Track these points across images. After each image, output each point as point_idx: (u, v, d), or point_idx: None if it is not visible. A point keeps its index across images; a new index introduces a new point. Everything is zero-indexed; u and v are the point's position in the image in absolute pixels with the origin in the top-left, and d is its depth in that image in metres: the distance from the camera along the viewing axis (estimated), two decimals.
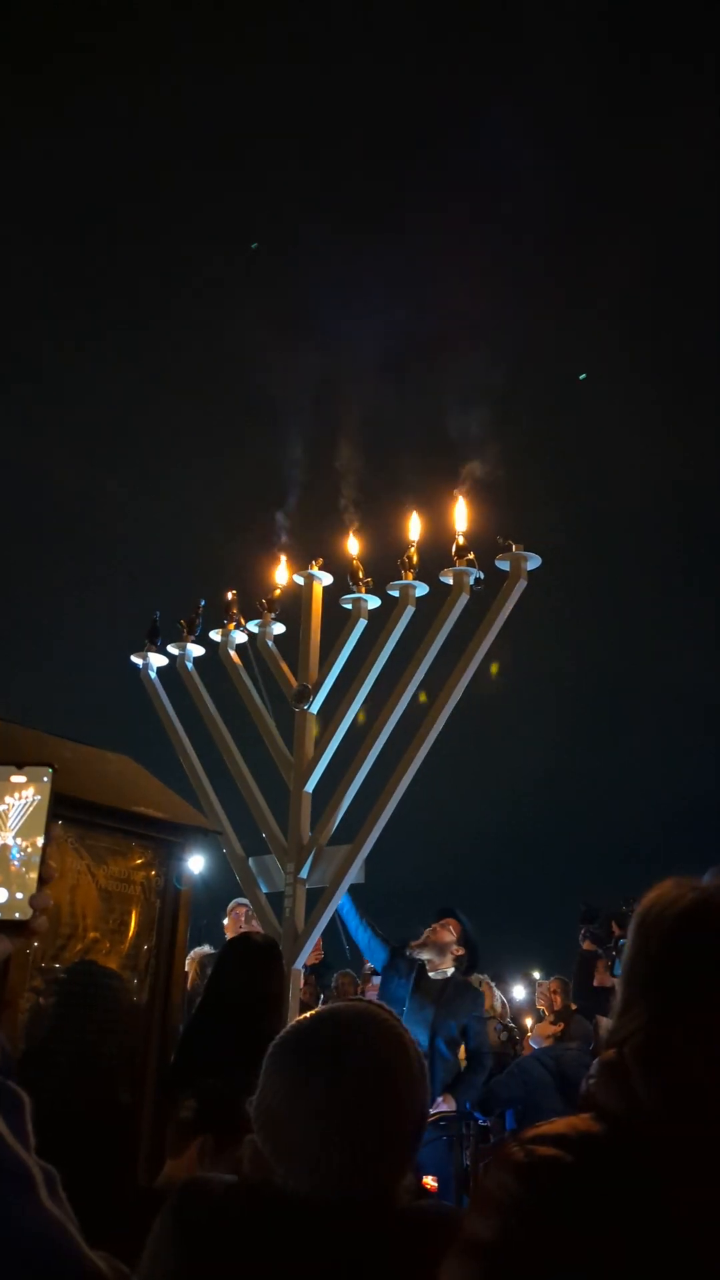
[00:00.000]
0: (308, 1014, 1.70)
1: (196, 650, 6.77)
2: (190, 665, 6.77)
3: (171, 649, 6.84)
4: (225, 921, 7.74)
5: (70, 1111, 3.85)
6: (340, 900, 5.68)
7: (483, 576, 5.63)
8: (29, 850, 1.37)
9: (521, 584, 5.54)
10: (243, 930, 7.45)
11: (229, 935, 7.58)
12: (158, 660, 6.87)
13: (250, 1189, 1.58)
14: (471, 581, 5.63)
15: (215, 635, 6.72)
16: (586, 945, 8.26)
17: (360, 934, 6.67)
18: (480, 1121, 5.97)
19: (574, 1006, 8.33)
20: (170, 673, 6.86)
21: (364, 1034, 1.60)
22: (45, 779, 1.41)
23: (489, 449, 5.86)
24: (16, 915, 1.33)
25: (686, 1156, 1.11)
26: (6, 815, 1.39)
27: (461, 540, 5.71)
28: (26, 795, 1.40)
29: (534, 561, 5.58)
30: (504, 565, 5.62)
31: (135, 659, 6.97)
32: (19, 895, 1.35)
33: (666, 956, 1.31)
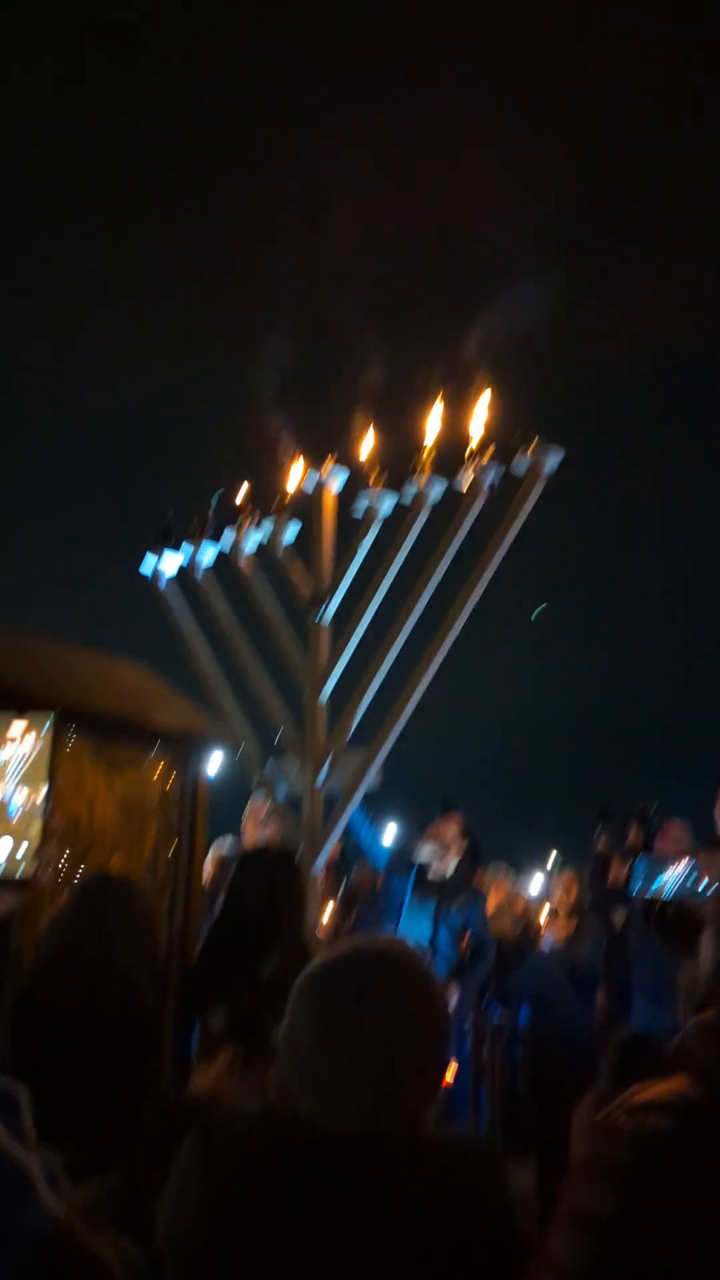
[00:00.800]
0: (333, 951, 1.68)
1: (208, 555, 6.67)
2: (200, 575, 6.68)
3: (183, 552, 6.73)
4: (244, 821, 7.79)
5: (95, 1018, 3.91)
6: (355, 816, 5.72)
7: (501, 475, 5.47)
8: (30, 803, 1.31)
9: (541, 483, 5.38)
10: (263, 828, 7.54)
11: (246, 833, 7.65)
12: (170, 564, 6.78)
13: (277, 1121, 1.59)
14: (489, 482, 5.47)
15: (228, 539, 6.60)
16: (602, 844, 8.32)
17: (365, 834, 6.75)
18: (493, 1018, 6.10)
19: (588, 903, 8.48)
20: (184, 576, 6.78)
21: (389, 971, 1.60)
22: (48, 725, 1.34)
23: (512, 342, 5.61)
24: (19, 873, 1.28)
25: None
26: (5, 765, 1.33)
27: (477, 443, 5.53)
28: (27, 743, 1.33)
29: (555, 459, 5.41)
30: (523, 464, 5.46)
31: (150, 556, 6.87)
32: (21, 850, 1.29)
33: None
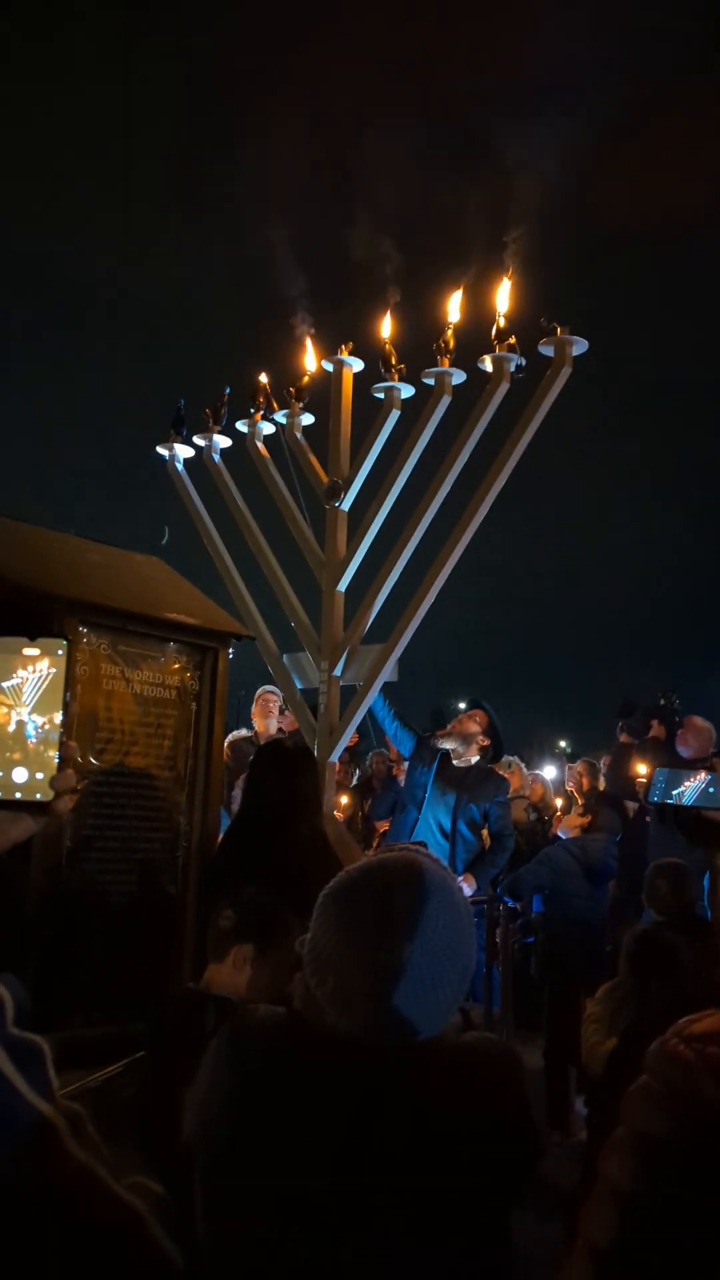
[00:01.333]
0: (359, 864, 1.68)
1: (223, 441, 6.53)
2: (217, 457, 6.55)
3: (198, 440, 6.60)
4: (253, 709, 7.82)
5: (117, 903, 4.00)
6: (376, 702, 5.72)
7: (524, 363, 5.28)
8: (47, 728, 1.27)
9: (566, 371, 5.20)
10: (271, 718, 7.59)
11: (255, 721, 7.69)
12: (184, 452, 6.65)
13: (302, 1027, 1.61)
14: (513, 368, 5.28)
15: (242, 426, 6.45)
16: (623, 738, 8.37)
17: (389, 724, 6.78)
18: (509, 904, 6.22)
19: (601, 789, 8.56)
20: (197, 466, 6.66)
21: (413, 884, 1.60)
22: (60, 651, 1.29)
23: (535, 222, 5.35)
24: (38, 796, 1.25)
25: None
26: (20, 689, 1.29)
27: (502, 323, 5.31)
28: (40, 668, 1.29)
29: (580, 346, 5.21)
30: (548, 351, 5.26)
31: (160, 450, 6.75)
32: (39, 775, 1.26)
33: None
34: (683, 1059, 1.17)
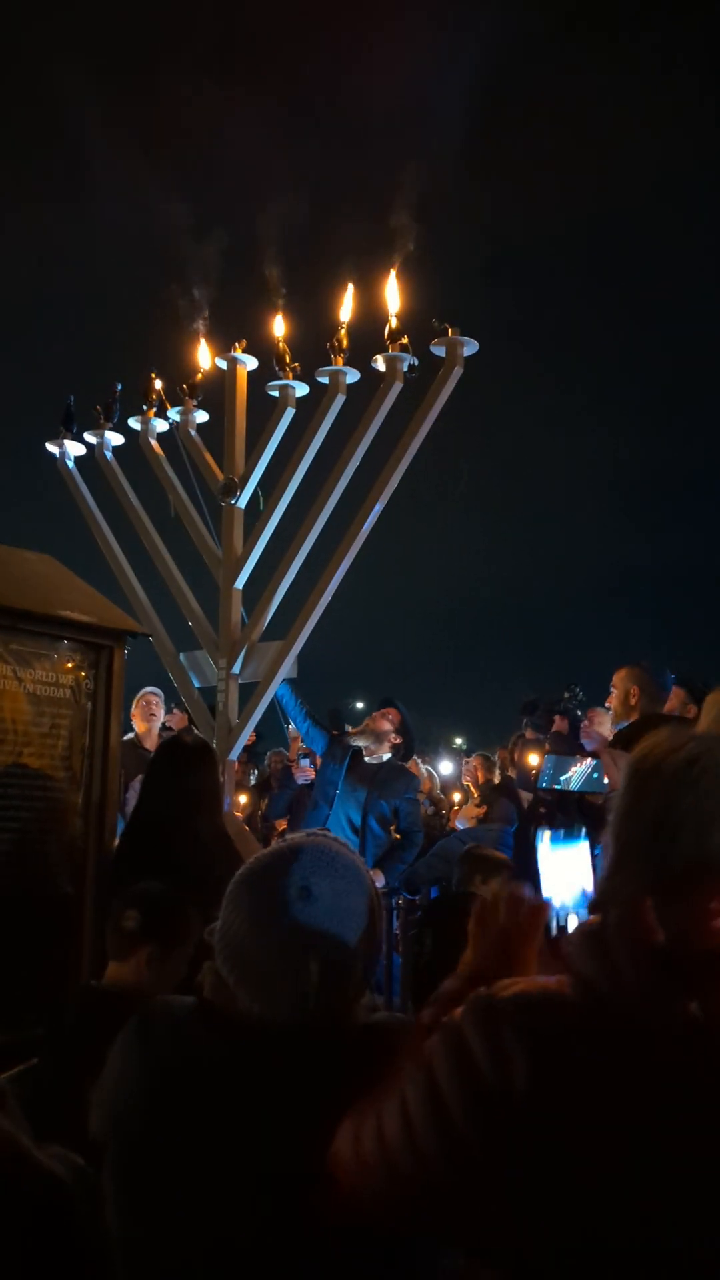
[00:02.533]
0: (268, 849, 1.70)
1: (115, 439, 6.45)
2: (109, 455, 6.47)
3: (89, 437, 6.50)
4: (133, 711, 7.55)
5: (13, 906, 3.92)
6: (280, 689, 5.71)
7: (417, 363, 5.36)
8: None
9: (458, 370, 5.30)
10: (155, 719, 7.44)
11: (136, 723, 7.49)
12: (75, 449, 6.54)
13: (212, 1012, 1.61)
14: (405, 368, 5.36)
15: (135, 423, 6.38)
16: (529, 734, 8.54)
17: (301, 723, 6.78)
18: (407, 897, 6.29)
19: (495, 782, 8.73)
20: (89, 464, 6.56)
21: (323, 865, 1.62)
22: None
23: (425, 219, 5.44)
24: None
25: (672, 1046, 1.08)
26: None
27: (395, 323, 5.39)
28: None
29: (471, 346, 5.32)
30: (439, 351, 5.35)
31: (50, 447, 6.63)
32: None
33: (664, 816, 1.24)
34: (496, 1010, 1.18)
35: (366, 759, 6.51)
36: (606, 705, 5.17)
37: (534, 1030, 1.16)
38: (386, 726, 6.54)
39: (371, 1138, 1.25)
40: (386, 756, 6.59)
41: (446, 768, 13.62)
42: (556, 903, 1.67)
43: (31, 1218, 0.93)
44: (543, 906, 1.54)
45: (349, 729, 6.81)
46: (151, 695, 7.27)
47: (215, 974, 1.63)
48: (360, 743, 6.46)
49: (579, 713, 7.99)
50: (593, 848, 1.73)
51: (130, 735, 7.52)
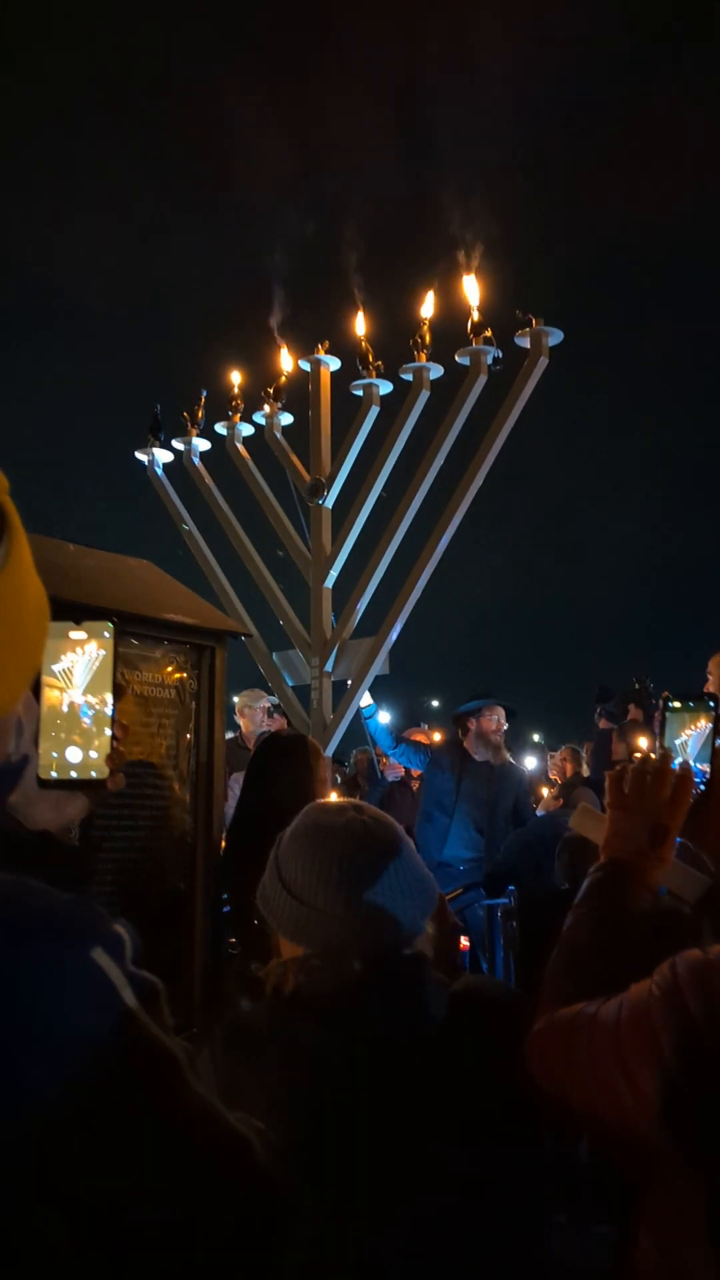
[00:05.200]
0: (316, 808, 1.71)
1: (202, 444, 6.57)
2: (197, 460, 6.59)
3: (176, 444, 6.63)
4: (238, 710, 7.68)
5: (129, 902, 4.03)
6: (369, 723, 5.78)
7: (501, 355, 5.36)
8: (99, 707, 1.33)
9: (543, 362, 5.29)
10: (258, 723, 7.56)
11: (241, 721, 7.61)
12: (163, 456, 6.68)
13: (278, 1003, 1.59)
14: (489, 361, 5.37)
15: (221, 428, 6.50)
16: (603, 724, 8.47)
17: (393, 748, 6.82)
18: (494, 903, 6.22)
19: (584, 775, 8.66)
20: (178, 470, 6.69)
21: (356, 823, 1.62)
22: (106, 634, 1.34)
23: (504, 215, 5.43)
24: (93, 774, 1.30)
25: None
26: (71, 672, 1.34)
27: (477, 317, 5.39)
28: (89, 651, 1.34)
29: (555, 337, 5.31)
30: (524, 342, 5.35)
31: (140, 455, 6.78)
32: (93, 754, 1.31)
33: None
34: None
35: (476, 758, 6.47)
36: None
37: None
38: (493, 728, 6.48)
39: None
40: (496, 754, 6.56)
41: (530, 763, 13.55)
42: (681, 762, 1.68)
43: (225, 1182, 0.97)
44: (688, 776, 1.58)
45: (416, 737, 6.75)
46: (266, 705, 7.39)
47: (275, 968, 1.61)
48: (479, 756, 6.39)
49: (653, 701, 7.89)
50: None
51: (233, 735, 7.67)
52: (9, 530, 0.99)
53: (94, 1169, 0.90)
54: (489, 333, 5.35)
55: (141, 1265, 0.93)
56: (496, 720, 6.41)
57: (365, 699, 6.05)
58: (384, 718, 8.04)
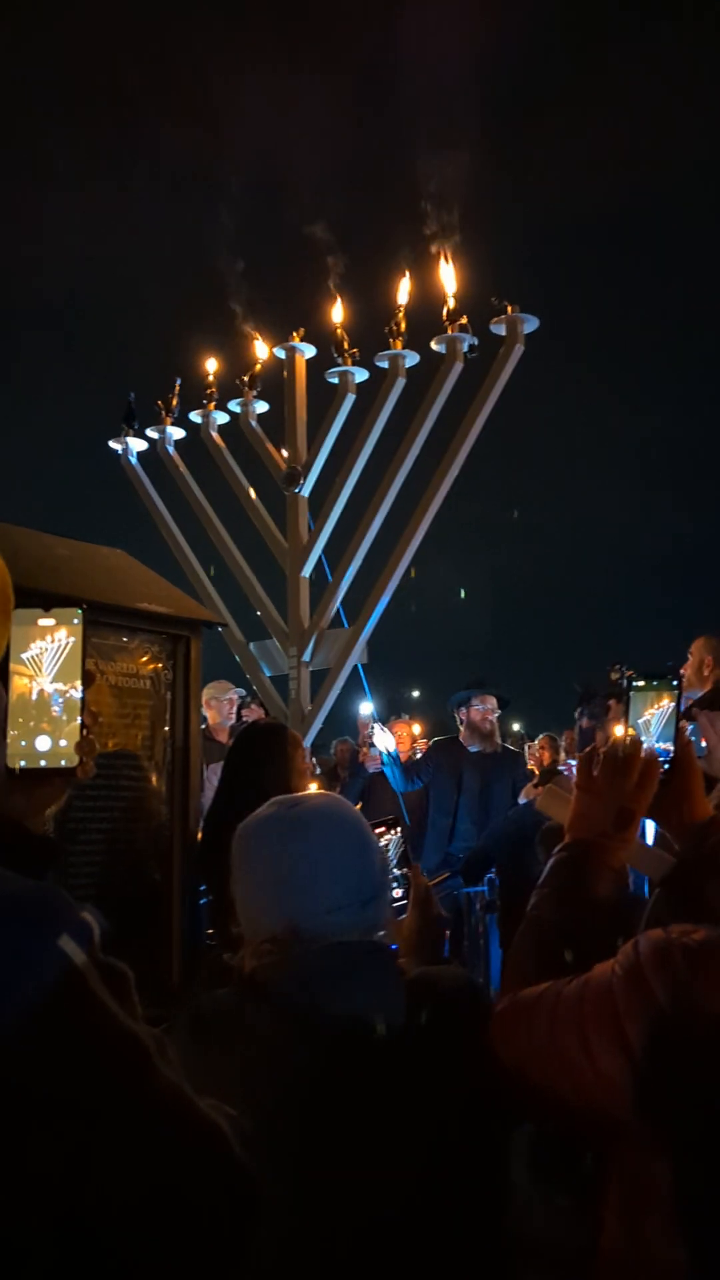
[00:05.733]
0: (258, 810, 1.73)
1: (177, 433, 6.52)
2: (171, 449, 6.54)
3: (151, 433, 6.58)
4: (205, 700, 7.59)
5: (106, 894, 4.00)
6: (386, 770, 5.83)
7: (477, 342, 5.34)
8: (69, 694, 1.30)
9: (519, 348, 5.27)
10: (225, 714, 7.50)
11: (208, 713, 7.53)
12: (137, 445, 6.63)
13: (243, 983, 1.61)
14: (465, 348, 5.34)
15: (195, 417, 6.45)
16: (585, 723, 8.48)
17: (407, 784, 6.85)
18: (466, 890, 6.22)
19: (560, 764, 8.68)
20: (152, 459, 6.63)
21: (311, 813, 1.64)
22: (76, 620, 1.32)
23: (478, 200, 5.40)
24: (63, 762, 1.28)
25: None
26: (40, 660, 1.31)
27: (452, 304, 5.37)
28: (59, 638, 1.32)
29: (531, 324, 5.29)
30: (500, 330, 5.33)
31: (114, 445, 6.72)
32: (63, 743, 1.29)
33: None
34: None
35: (471, 750, 6.47)
36: None
37: (707, 967, 1.24)
38: (480, 718, 6.51)
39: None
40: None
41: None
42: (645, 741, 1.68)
43: (195, 1168, 0.96)
44: (655, 762, 1.60)
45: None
46: (234, 698, 7.36)
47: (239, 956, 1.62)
48: (473, 747, 6.41)
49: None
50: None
51: (203, 727, 7.61)
52: None
53: (65, 1158, 0.89)
54: (464, 320, 5.33)
55: (112, 1249, 0.92)
56: (484, 709, 6.44)
57: (385, 741, 6.13)
58: (365, 708, 8.03)
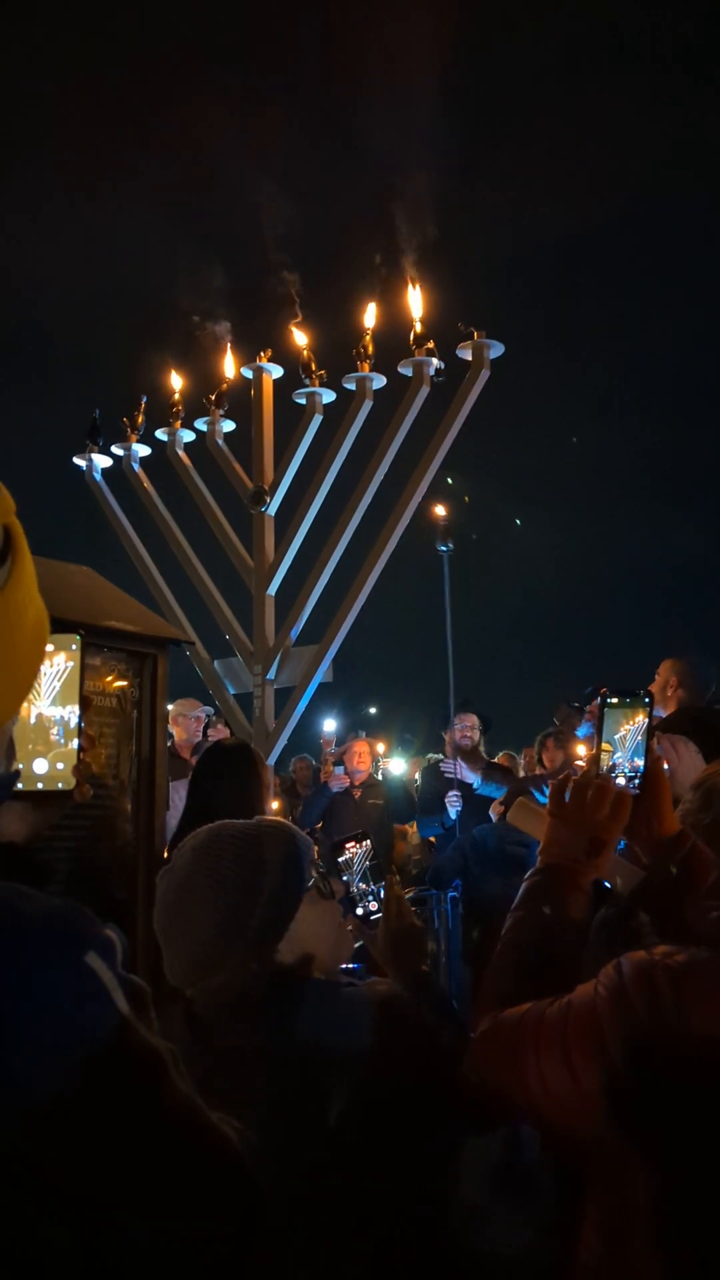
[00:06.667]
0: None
1: (143, 450, 6.52)
2: (136, 466, 6.53)
3: (116, 450, 6.57)
4: (172, 717, 7.58)
5: None
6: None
7: (444, 366, 5.42)
8: (66, 719, 1.32)
9: (485, 373, 5.35)
10: (193, 732, 7.49)
11: (175, 730, 7.53)
12: (102, 461, 6.61)
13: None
14: (432, 372, 5.41)
15: (161, 434, 6.45)
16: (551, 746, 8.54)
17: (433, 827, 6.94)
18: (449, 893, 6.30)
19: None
20: (117, 476, 6.62)
21: (195, 842, 1.79)
22: (74, 646, 1.34)
23: (448, 225, 5.49)
24: (60, 785, 1.30)
25: None
26: (39, 685, 1.32)
27: (419, 328, 5.44)
28: (57, 663, 1.33)
29: (497, 349, 5.37)
30: (466, 354, 5.40)
31: (78, 461, 6.69)
32: (60, 765, 1.30)
33: None
34: (662, 965, 1.30)
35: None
36: None
37: (691, 989, 1.27)
38: (457, 737, 6.59)
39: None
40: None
41: None
42: (610, 760, 1.73)
43: (209, 1180, 0.99)
44: (626, 795, 1.65)
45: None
46: (201, 716, 7.37)
47: None
48: (469, 777, 6.48)
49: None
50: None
51: (168, 745, 7.58)
52: (13, 551, 1.00)
53: (86, 1166, 0.92)
54: (431, 344, 5.40)
55: (128, 1254, 0.95)
56: (462, 728, 6.56)
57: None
58: (329, 725, 8.05)
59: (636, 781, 1.69)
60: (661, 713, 4.69)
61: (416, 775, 9.27)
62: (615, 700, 1.76)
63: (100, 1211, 0.92)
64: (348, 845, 2.61)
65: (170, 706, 7.45)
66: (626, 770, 1.71)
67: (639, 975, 1.29)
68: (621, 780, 1.69)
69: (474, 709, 6.88)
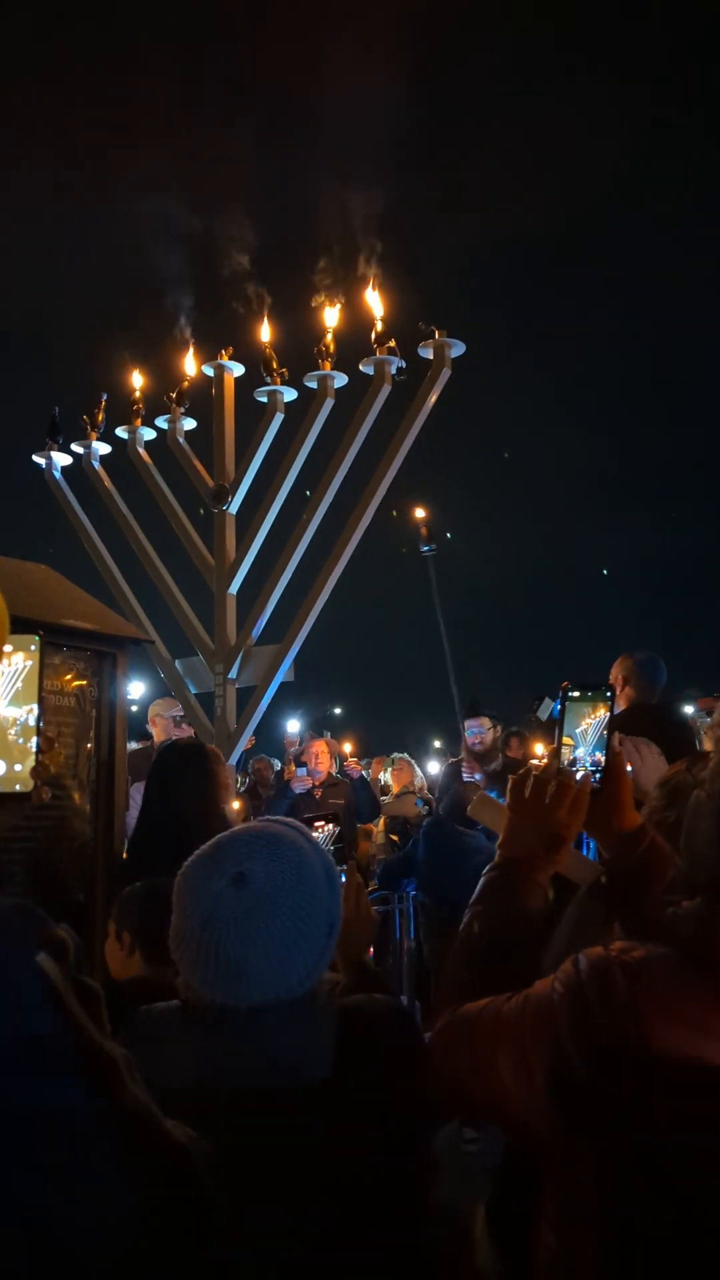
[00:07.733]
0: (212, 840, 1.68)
1: (103, 448, 6.46)
2: (96, 464, 6.48)
3: (76, 447, 6.51)
4: (150, 719, 7.61)
5: None
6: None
7: (405, 365, 5.42)
8: (25, 720, 1.30)
9: (446, 372, 5.35)
10: (170, 731, 7.45)
11: (154, 731, 7.53)
12: (62, 459, 6.55)
13: (183, 1005, 1.59)
14: (393, 370, 5.41)
15: (122, 432, 6.40)
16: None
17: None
18: (411, 892, 6.29)
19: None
20: (77, 474, 6.56)
21: (261, 851, 1.56)
22: (33, 646, 1.32)
23: (409, 225, 5.50)
24: (17, 787, 1.27)
25: None
26: None
27: (380, 327, 5.44)
28: (15, 662, 1.31)
29: (458, 348, 5.38)
30: (427, 353, 5.41)
31: (37, 458, 6.63)
32: (18, 767, 1.28)
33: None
34: (619, 961, 1.29)
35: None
36: None
37: (647, 986, 1.26)
38: (475, 740, 6.57)
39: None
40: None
41: (434, 767, 13.66)
42: (572, 754, 1.72)
43: (162, 1184, 0.97)
44: (585, 792, 1.64)
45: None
46: (179, 715, 7.33)
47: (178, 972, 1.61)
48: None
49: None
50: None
51: (145, 744, 7.53)
52: None
53: (35, 1170, 0.89)
54: (393, 343, 5.40)
55: (83, 1260, 0.93)
56: (472, 735, 6.57)
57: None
58: (293, 726, 8.03)
59: (598, 775, 1.69)
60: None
61: (380, 775, 9.28)
62: (577, 694, 1.75)
63: (56, 1218, 0.90)
64: (316, 824, 2.59)
65: (151, 706, 7.43)
66: (588, 764, 1.71)
67: (596, 972, 1.29)
68: (582, 774, 1.69)
69: (485, 711, 6.88)
